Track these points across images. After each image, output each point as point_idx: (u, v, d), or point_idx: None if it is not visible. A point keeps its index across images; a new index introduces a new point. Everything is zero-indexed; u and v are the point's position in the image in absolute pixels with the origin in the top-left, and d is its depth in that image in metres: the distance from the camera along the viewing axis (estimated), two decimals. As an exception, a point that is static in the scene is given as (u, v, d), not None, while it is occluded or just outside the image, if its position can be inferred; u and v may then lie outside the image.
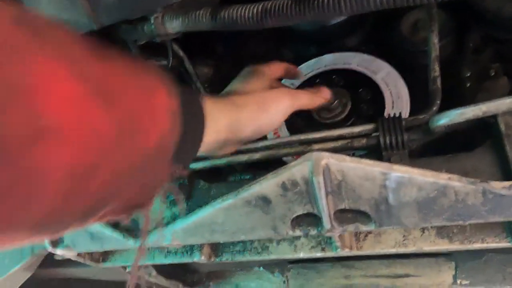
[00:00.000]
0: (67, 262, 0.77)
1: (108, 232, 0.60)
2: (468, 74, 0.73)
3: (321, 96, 0.59)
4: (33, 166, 0.23)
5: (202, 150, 0.42)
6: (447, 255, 0.78)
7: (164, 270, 0.84)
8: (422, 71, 0.62)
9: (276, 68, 0.59)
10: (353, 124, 0.61)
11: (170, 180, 0.39)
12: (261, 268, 0.91)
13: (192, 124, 0.39)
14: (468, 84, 0.73)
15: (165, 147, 0.34)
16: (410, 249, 0.57)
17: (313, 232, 0.50)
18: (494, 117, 0.44)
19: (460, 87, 0.72)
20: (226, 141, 0.47)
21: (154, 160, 0.34)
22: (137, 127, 0.30)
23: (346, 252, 0.58)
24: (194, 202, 0.60)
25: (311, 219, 0.50)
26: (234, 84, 0.55)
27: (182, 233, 0.57)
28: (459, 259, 0.77)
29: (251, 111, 0.48)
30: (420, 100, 0.62)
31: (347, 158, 0.45)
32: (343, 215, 0.48)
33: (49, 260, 0.83)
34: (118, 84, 0.30)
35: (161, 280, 0.85)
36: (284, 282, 0.88)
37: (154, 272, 0.81)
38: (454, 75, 0.72)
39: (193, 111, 0.40)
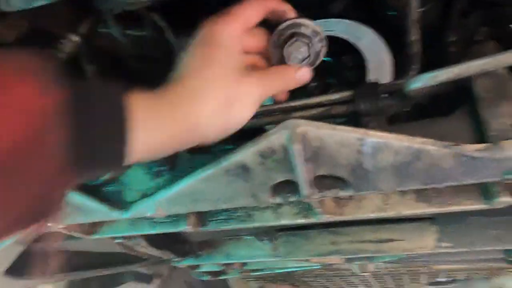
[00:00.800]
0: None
1: (94, 204, 0.61)
2: (454, 39, 0.72)
3: (298, 79, 0.47)
4: None
5: (140, 157, 0.36)
6: (430, 220, 0.80)
7: (154, 241, 0.85)
8: (405, 36, 0.61)
9: (248, 17, 0.42)
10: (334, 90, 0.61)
11: (73, 186, 0.34)
12: (251, 236, 0.92)
13: (100, 127, 0.32)
14: (454, 50, 0.72)
15: (37, 149, 0.29)
16: (390, 213, 0.58)
17: (293, 198, 0.51)
18: (471, 80, 0.44)
19: (444, 53, 0.72)
20: (178, 148, 0.40)
21: (26, 163, 0.29)
22: None
23: (327, 218, 0.60)
24: (177, 172, 0.61)
25: (290, 186, 0.50)
26: (185, 66, 0.40)
27: (166, 202, 0.58)
28: (442, 224, 0.79)
29: (210, 117, 0.39)
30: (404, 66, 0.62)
31: (324, 125, 0.45)
32: (321, 181, 0.49)
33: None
34: None
35: (152, 251, 0.87)
36: (273, 249, 0.90)
37: (144, 243, 0.82)
38: (439, 40, 0.71)
39: (99, 111, 0.32)
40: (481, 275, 1.23)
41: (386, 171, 0.45)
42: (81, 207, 0.63)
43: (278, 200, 0.51)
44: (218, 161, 0.52)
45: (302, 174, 0.47)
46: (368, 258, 0.99)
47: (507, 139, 0.41)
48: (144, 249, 0.85)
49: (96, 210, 0.61)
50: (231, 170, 0.51)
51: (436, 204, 0.55)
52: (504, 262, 0.99)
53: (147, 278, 1.52)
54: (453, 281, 1.27)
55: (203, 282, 1.51)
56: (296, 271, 1.25)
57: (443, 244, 0.79)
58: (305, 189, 0.48)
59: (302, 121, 0.45)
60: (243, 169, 0.51)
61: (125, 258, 1.09)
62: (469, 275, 1.23)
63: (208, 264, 1.13)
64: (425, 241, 0.79)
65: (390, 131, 0.45)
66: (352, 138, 0.44)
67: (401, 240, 0.81)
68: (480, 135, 0.44)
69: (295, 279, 1.34)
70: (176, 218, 0.67)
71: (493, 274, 1.20)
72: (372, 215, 0.58)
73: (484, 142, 0.43)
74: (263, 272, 1.20)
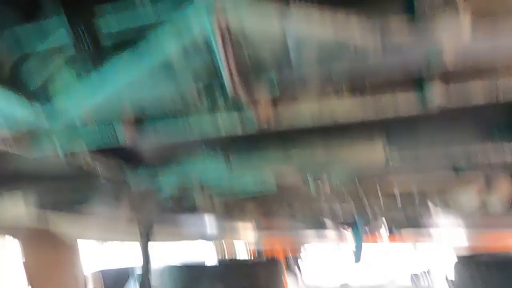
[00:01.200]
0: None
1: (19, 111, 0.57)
2: None
3: None
4: None
5: None
6: (378, 126, 0.79)
7: (102, 153, 0.82)
8: None
9: None
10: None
11: None
12: (204, 151, 0.91)
13: None
14: None
15: None
16: (327, 120, 0.56)
17: (220, 97, 0.48)
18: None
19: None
20: None
21: None
22: None
23: (264, 126, 0.57)
24: (103, 73, 0.55)
25: (218, 87, 0.47)
26: None
27: (94, 108, 0.55)
28: (389, 130, 0.79)
29: None
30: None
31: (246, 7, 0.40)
32: (247, 79, 0.46)
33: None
34: None
35: (102, 161, 0.84)
36: (226, 161, 0.90)
37: (88, 156, 0.80)
38: None
39: None
40: (434, 190, 1.28)
41: (312, 64, 0.42)
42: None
43: (204, 100, 0.49)
44: (141, 60, 0.47)
45: (226, 68, 0.43)
46: (322, 172, 0.99)
47: (437, 17, 0.37)
48: (92, 162, 0.83)
49: (23, 118, 0.58)
50: (155, 71, 0.47)
51: (372, 107, 0.53)
52: (454, 175, 1.02)
53: (115, 199, 1.52)
54: (409, 197, 1.32)
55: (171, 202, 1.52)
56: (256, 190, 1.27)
57: (390, 149, 0.79)
58: (230, 85, 0.45)
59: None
60: (168, 69, 0.47)
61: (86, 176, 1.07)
62: (423, 190, 1.28)
63: (168, 186, 1.12)
64: (374, 148, 0.80)
65: (320, 9, 0.40)
66: (275, 23, 0.40)
67: (351, 148, 0.82)
68: (412, 12, 0.40)
69: (257, 196, 1.36)
70: (112, 127, 0.64)
71: (446, 189, 1.24)
72: (309, 122, 0.56)
73: (414, 20, 0.40)
74: (221, 189, 1.21)
